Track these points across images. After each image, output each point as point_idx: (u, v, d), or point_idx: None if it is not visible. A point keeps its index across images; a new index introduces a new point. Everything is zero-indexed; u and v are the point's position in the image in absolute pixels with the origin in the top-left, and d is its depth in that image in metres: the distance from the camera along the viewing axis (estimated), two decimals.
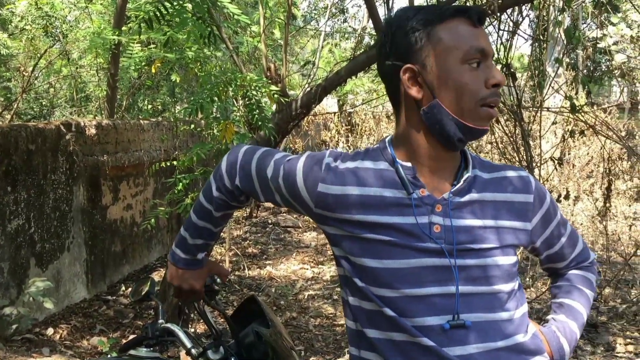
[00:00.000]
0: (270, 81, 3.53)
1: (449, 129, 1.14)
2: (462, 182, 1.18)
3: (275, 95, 3.39)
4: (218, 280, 1.71)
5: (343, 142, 11.34)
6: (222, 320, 1.75)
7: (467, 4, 3.55)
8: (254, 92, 3.39)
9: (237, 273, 6.02)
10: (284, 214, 8.86)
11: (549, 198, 1.28)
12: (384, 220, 1.16)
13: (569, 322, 1.31)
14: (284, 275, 6.03)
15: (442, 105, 1.14)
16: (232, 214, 1.48)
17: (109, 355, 3.43)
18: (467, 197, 1.18)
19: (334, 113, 11.53)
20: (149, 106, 9.04)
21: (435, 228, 1.15)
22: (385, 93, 1.27)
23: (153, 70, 3.99)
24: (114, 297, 5.13)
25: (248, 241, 7.39)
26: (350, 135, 11.50)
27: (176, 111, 7.32)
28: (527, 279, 5.31)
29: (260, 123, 3.42)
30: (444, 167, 1.19)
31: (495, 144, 4.42)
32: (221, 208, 1.40)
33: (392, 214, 1.16)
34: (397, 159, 1.19)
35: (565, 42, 4.79)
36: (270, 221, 8.51)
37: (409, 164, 1.18)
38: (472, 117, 1.13)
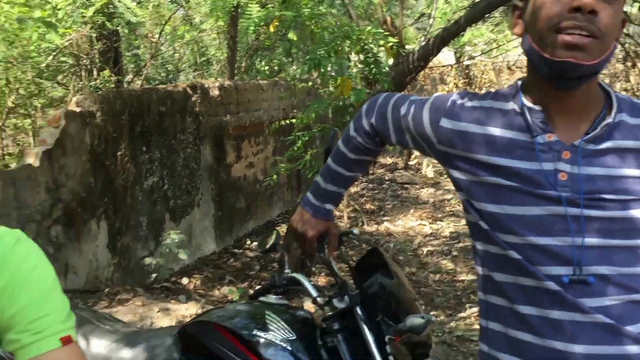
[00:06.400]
0: (387, 33, 3.48)
1: (535, 63, 1.09)
2: (599, 128, 1.09)
3: (394, 47, 3.33)
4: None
5: None
6: (343, 273, 1.79)
7: None
8: (371, 46, 3.35)
9: (355, 229, 6.11)
10: (401, 171, 8.81)
11: None
12: (506, 164, 1.12)
13: None
14: (401, 231, 6.04)
15: (529, 38, 1.09)
16: (365, 163, 1.52)
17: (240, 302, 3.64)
18: (604, 145, 1.09)
19: (451, 66, 11.16)
20: (266, 67, 9.25)
21: (561, 176, 1.08)
22: (505, 43, 1.22)
23: (271, 30, 4.07)
24: (241, 251, 5.42)
25: (365, 198, 7.45)
26: (468, 88, 11.12)
27: (292, 70, 7.44)
28: None
29: (377, 77, 3.39)
30: (574, 109, 1.11)
31: (630, 91, 4.08)
32: (355, 150, 1.45)
33: (515, 157, 1.11)
34: (526, 102, 1.14)
35: None
36: (386, 178, 8.51)
37: (538, 107, 1.12)
38: (548, 45, 1.05)
